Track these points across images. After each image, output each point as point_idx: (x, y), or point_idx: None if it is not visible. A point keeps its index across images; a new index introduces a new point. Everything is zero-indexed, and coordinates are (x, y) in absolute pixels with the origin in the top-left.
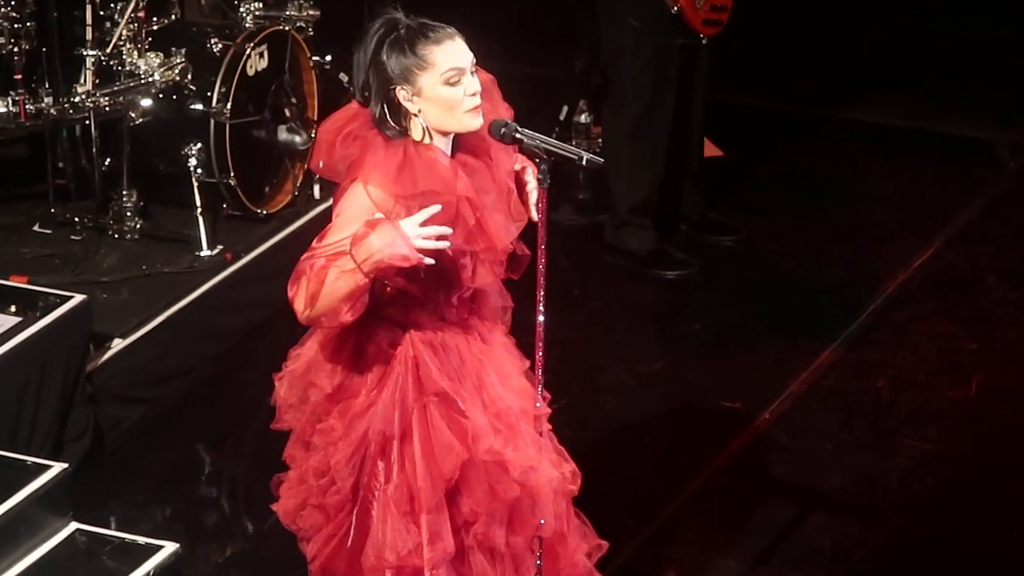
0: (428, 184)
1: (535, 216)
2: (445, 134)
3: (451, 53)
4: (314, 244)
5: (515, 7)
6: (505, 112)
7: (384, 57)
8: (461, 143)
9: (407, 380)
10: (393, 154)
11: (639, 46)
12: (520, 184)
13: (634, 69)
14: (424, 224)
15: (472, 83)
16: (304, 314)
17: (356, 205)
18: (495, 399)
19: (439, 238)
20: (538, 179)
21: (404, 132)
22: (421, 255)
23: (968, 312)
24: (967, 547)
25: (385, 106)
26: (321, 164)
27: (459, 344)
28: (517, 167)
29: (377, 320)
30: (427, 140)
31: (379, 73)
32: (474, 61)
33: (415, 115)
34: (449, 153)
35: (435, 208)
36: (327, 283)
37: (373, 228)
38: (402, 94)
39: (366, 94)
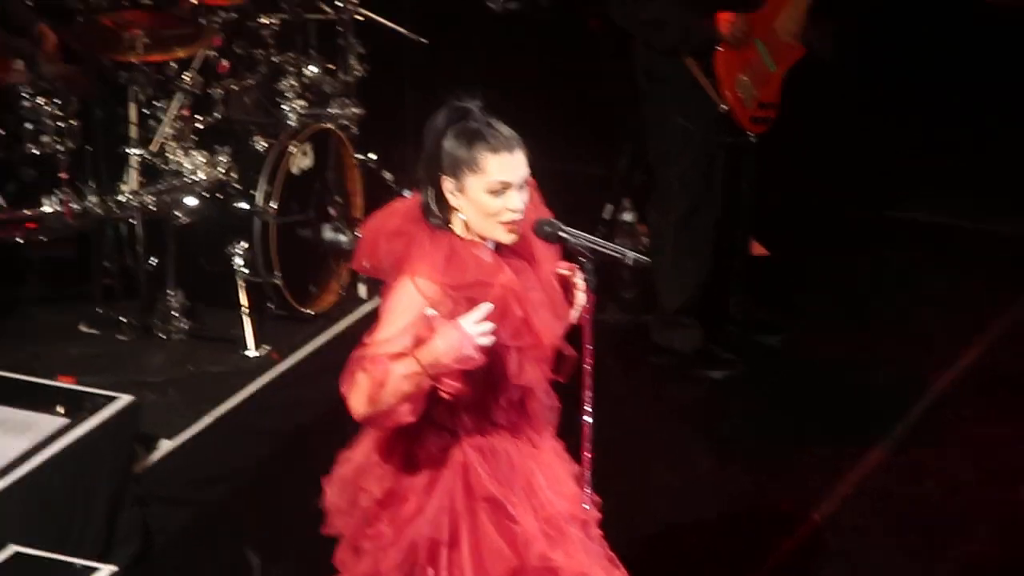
0: (476, 275)
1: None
2: (482, 238)
3: (504, 165)
4: (366, 341)
5: (558, 105)
6: (544, 214)
7: (444, 143)
8: (505, 244)
9: (457, 485)
10: (439, 246)
11: (687, 144)
12: (568, 287)
13: (681, 167)
14: (480, 322)
15: (516, 199)
16: (362, 413)
17: (405, 299)
18: (545, 504)
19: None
20: (585, 279)
21: (446, 224)
22: (482, 358)
23: (1017, 413)
24: None
25: (432, 192)
26: (367, 264)
27: (508, 448)
28: (566, 272)
29: (427, 424)
30: (467, 236)
31: (434, 157)
32: (526, 176)
33: (456, 210)
34: (492, 250)
35: (490, 305)
36: (389, 384)
37: (435, 330)
38: (447, 185)
39: (420, 174)
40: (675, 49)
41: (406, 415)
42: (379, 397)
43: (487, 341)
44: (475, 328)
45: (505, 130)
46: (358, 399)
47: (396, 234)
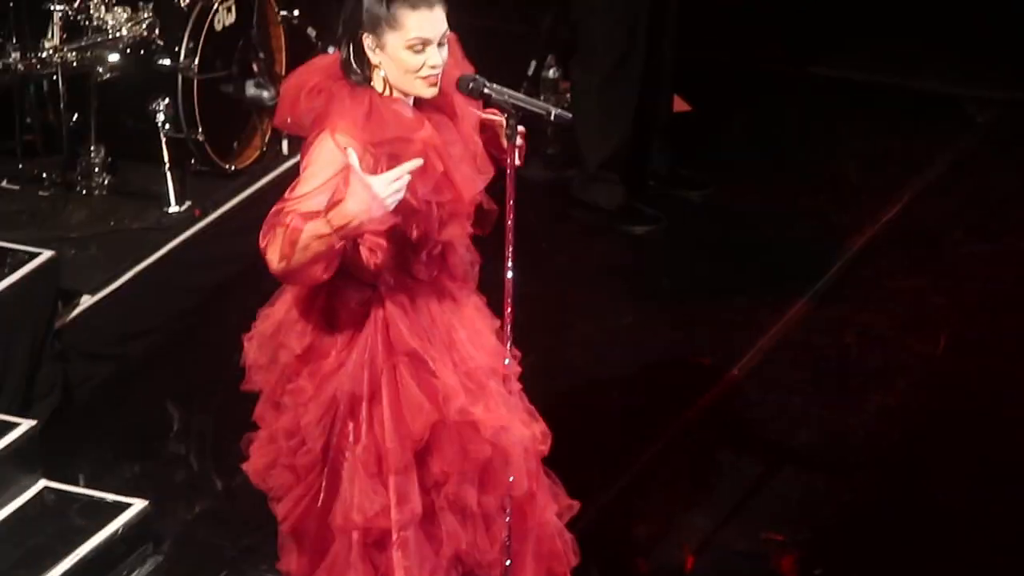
0: (396, 131)
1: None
2: (402, 93)
3: (423, 21)
4: (286, 196)
5: None
6: (465, 70)
7: (364, 1)
8: (425, 100)
9: (377, 340)
10: (359, 103)
11: (611, 1)
12: (496, 132)
13: (604, 25)
14: (395, 180)
15: (435, 55)
16: (277, 268)
17: (324, 155)
18: (466, 358)
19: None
20: (506, 134)
21: (367, 80)
22: (396, 216)
23: (935, 267)
24: (934, 502)
25: (352, 49)
26: (287, 120)
27: (429, 303)
28: (494, 117)
29: (346, 279)
30: (387, 92)
31: (354, 14)
32: (446, 32)
33: (376, 66)
34: (412, 106)
35: (412, 164)
36: (300, 243)
37: (347, 189)
38: (367, 42)
39: (340, 32)
40: None
41: (319, 273)
42: (292, 255)
43: (395, 200)
44: (386, 189)
45: None
46: (273, 255)
47: (316, 91)
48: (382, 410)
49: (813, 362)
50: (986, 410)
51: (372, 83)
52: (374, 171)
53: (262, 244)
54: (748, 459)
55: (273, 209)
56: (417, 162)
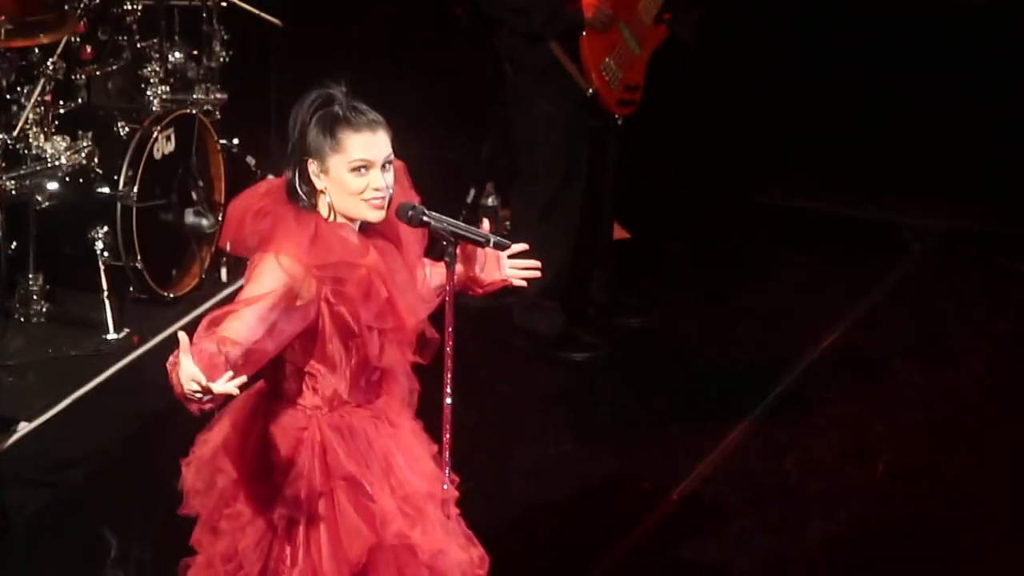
0: (341, 255)
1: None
2: (348, 219)
3: (366, 144)
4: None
5: (421, 90)
6: (413, 199)
7: (309, 127)
8: (370, 226)
9: (314, 464)
10: (305, 227)
11: (552, 129)
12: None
13: (547, 152)
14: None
15: (379, 178)
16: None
17: (268, 273)
18: (403, 483)
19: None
20: (444, 261)
21: (312, 205)
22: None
23: (875, 394)
24: None
25: (298, 174)
26: (232, 243)
27: (367, 427)
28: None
29: (283, 403)
30: (333, 218)
31: (300, 140)
32: (390, 156)
33: (321, 191)
34: (357, 232)
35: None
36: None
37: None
38: (312, 167)
39: (286, 157)
40: (540, 34)
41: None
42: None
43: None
44: (187, 376)
45: (369, 112)
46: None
47: (262, 213)
48: (319, 534)
49: (753, 488)
50: (926, 539)
51: (318, 208)
52: (318, 294)
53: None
54: None
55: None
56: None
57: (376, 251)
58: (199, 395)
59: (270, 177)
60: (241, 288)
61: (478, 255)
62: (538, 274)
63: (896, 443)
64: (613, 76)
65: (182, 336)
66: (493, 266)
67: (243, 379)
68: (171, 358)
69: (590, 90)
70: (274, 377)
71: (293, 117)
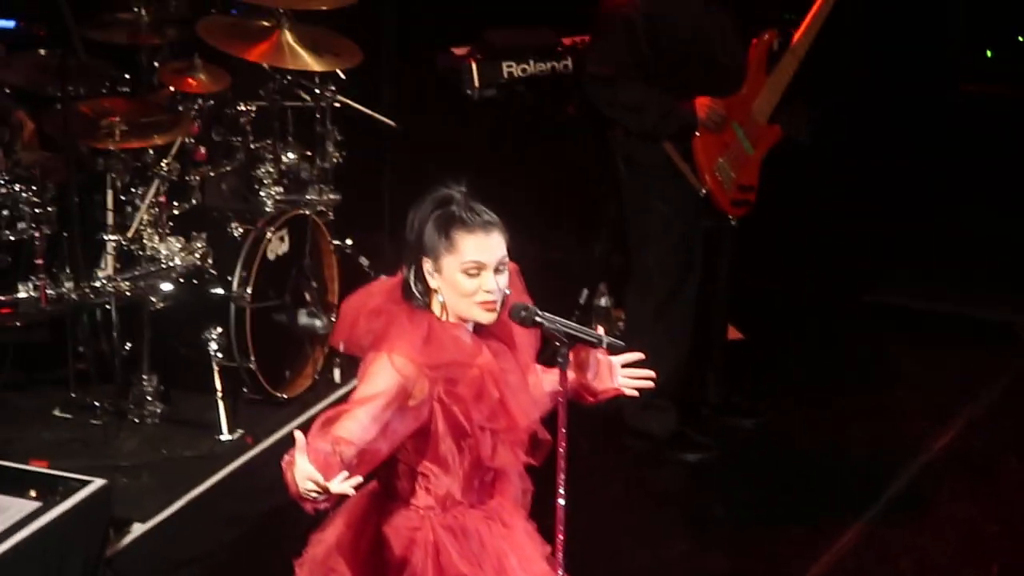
0: (454, 355)
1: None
2: (461, 319)
3: (480, 246)
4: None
5: (534, 191)
6: (526, 301)
7: (425, 226)
8: (484, 327)
9: (427, 565)
10: (418, 326)
11: (666, 229)
12: (581, 364)
13: (660, 252)
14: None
15: (491, 280)
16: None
17: (381, 372)
18: None
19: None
20: (557, 363)
21: (426, 304)
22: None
23: (989, 494)
24: None
25: (413, 273)
26: (345, 342)
27: (480, 528)
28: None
29: (397, 502)
30: (445, 317)
31: (417, 239)
32: (504, 259)
33: (435, 291)
34: (471, 332)
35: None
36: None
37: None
38: (427, 266)
39: (404, 255)
40: (653, 134)
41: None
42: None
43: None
44: (302, 475)
45: (485, 213)
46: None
47: (376, 312)
48: None
49: None
50: None
51: (431, 307)
52: (430, 394)
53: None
54: None
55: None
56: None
57: (489, 352)
58: (314, 494)
59: (383, 277)
60: (354, 388)
61: (591, 362)
62: (651, 384)
63: (1011, 544)
64: (726, 176)
65: (298, 435)
66: (606, 374)
67: (359, 479)
68: (286, 457)
69: (703, 191)
70: (387, 477)
71: (411, 216)
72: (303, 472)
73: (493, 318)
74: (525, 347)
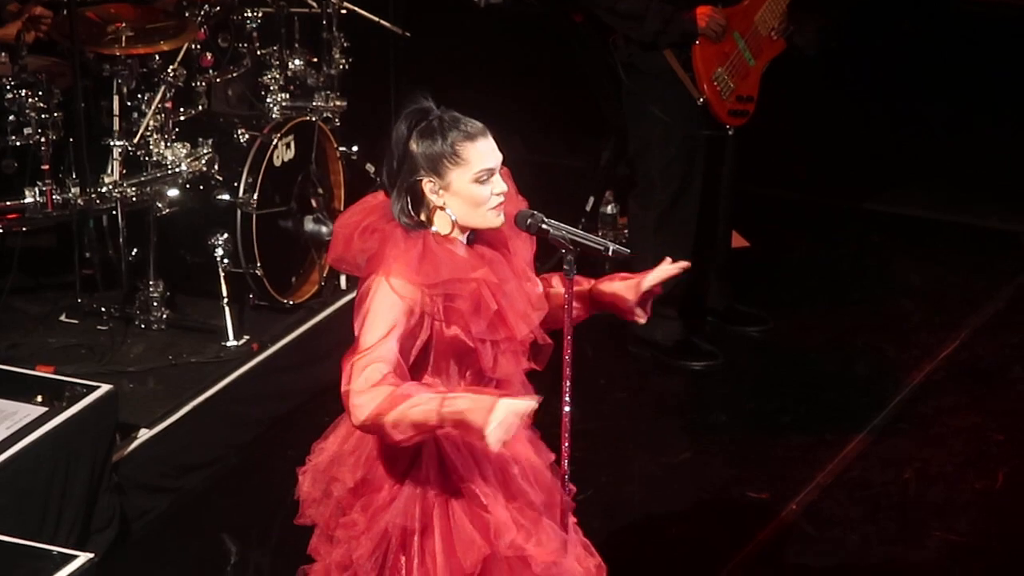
0: (451, 272)
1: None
2: (465, 229)
3: (484, 152)
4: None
5: (542, 99)
6: (520, 203)
7: (413, 147)
8: (477, 235)
9: (429, 474)
10: (413, 245)
11: (666, 137)
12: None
13: (661, 160)
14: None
15: (499, 183)
16: (364, 421)
17: (385, 300)
18: (518, 493)
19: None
20: (564, 269)
21: (422, 224)
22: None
23: (994, 403)
24: None
25: (408, 197)
26: (342, 259)
27: None
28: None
29: None
30: (451, 233)
31: (406, 163)
32: (501, 161)
33: (440, 208)
34: (466, 244)
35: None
36: (400, 423)
37: (467, 391)
38: (428, 186)
39: (391, 183)
40: (654, 42)
41: (397, 438)
42: (384, 427)
43: (509, 432)
44: (513, 419)
45: (470, 120)
46: (364, 410)
47: (370, 230)
48: (434, 544)
49: (872, 498)
50: None
51: (435, 226)
52: (432, 310)
53: (345, 388)
54: None
55: (352, 358)
56: (532, 405)
57: (485, 262)
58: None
59: (380, 193)
60: (356, 301)
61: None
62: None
63: (1016, 452)
64: (725, 86)
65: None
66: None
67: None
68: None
69: (700, 99)
70: None
71: (393, 141)
72: (507, 408)
73: (504, 219)
74: (519, 252)
